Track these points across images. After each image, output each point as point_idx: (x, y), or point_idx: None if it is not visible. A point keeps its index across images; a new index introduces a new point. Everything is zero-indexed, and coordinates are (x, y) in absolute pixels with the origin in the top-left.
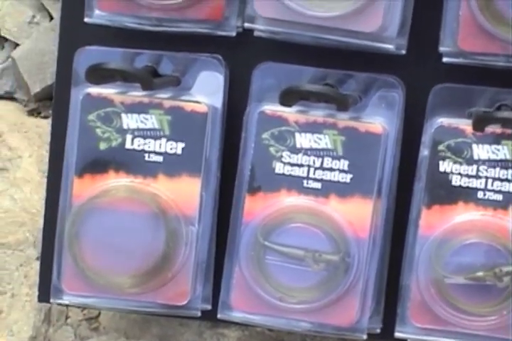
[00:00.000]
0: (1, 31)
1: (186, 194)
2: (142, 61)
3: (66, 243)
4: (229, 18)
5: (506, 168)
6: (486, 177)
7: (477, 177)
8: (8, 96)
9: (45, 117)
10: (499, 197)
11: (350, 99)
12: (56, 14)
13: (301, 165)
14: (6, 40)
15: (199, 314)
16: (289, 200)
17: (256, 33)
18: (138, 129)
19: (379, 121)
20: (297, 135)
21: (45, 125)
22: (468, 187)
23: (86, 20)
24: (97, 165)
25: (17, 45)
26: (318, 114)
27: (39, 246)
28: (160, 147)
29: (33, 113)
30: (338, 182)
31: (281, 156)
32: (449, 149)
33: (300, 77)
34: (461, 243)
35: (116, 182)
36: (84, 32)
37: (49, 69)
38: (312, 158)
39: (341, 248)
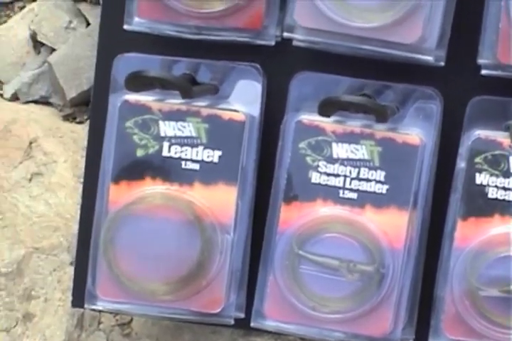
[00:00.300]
0: (37, 36)
1: (222, 202)
2: (180, 69)
3: (101, 249)
4: (268, 28)
5: None
6: None
7: None
8: (44, 101)
9: (81, 122)
10: None
11: (389, 111)
12: (92, 20)
13: (337, 175)
14: (43, 44)
15: (232, 322)
16: (325, 210)
17: (295, 43)
18: (175, 137)
19: (416, 132)
20: (334, 145)
21: (80, 130)
22: (504, 200)
23: (125, 27)
24: (133, 171)
25: (53, 50)
26: (355, 124)
27: (73, 251)
28: (197, 155)
29: (68, 118)
30: (374, 192)
31: (318, 166)
32: (486, 161)
33: (337, 87)
34: (496, 256)
35: (152, 189)
36: (123, 39)
37: (85, 74)
38: (348, 168)
39: (376, 258)
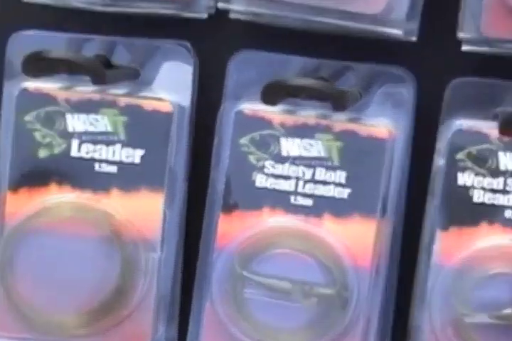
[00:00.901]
0: None
1: (146, 212)
2: (92, 49)
3: None
4: None
5: None
6: None
7: (504, 192)
8: None
9: None
10: None
11: (348, 96)
12: None
13: (287, 178)
14: None
15: None
16: (273, 220)
17: (232, 15)
18: (86, 133)
19: (384, 123)
20: (283, 140)
21: None
22: (493, 205)
23: None
24: (35, 176)
25: None
26: (309, 114)
27: None
28: (114, 155)
29: None
30: (334, 198)
31: (264, 166)
32: (470, 158)
33: (287, 69)
34: (485, 273)
35: (59, 198)
36: (21, 13)
37: None
38: (301, 168)
39: (337, 279)
